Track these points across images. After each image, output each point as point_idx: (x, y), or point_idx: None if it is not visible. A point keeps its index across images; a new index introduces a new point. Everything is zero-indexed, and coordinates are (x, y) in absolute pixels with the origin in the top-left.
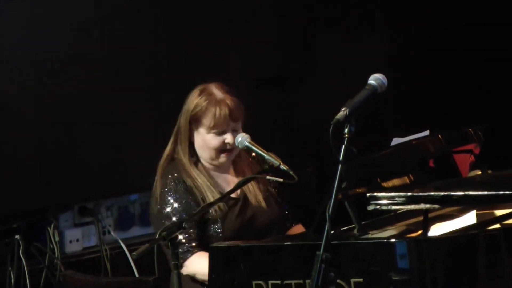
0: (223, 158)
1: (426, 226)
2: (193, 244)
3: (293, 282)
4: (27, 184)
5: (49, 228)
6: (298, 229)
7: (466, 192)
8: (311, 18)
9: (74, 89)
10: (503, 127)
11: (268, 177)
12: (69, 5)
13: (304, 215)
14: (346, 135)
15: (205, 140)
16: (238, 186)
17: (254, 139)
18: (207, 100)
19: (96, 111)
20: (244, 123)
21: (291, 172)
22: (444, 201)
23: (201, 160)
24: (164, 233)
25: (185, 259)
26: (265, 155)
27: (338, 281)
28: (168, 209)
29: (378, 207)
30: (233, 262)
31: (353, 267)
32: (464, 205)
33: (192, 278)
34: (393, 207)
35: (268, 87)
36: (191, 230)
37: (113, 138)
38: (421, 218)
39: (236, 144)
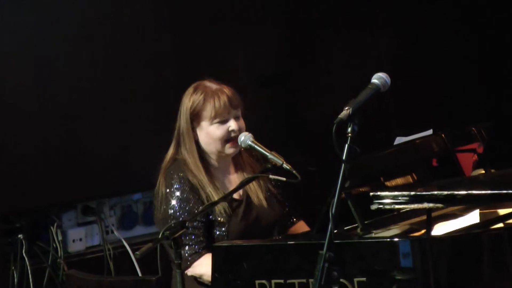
0: (230, 148)
1: (429, 225)
2: (201, 246)
3: (296, 281)
4: (30, 183)
5: (52, 227)
6: (301, 225)
7: (469, 191)
8: (315, 17)
9: (77, 88)
10: (506, 126)
11: (271, 176)
12: (72, 4)
13: (307, 214)
14: (349, 134)
15: (210, 132)
16: (241, 185)
17: (257, 137)
18: (203, 93)
19: (99, 110)
20: (245, 115)
21: (294, 171)
22: (448, 200)
23: (208, 157)
24: (168, 232)
25: (193, 260)
26: (268, 154)
27: (341, 280)
28: (174, 210)
29: (381, 206)
30: (236, 262)
31: (356, 267)
32: (467, 204)
33: (197, 279)
34: (396, 206)
35: (272, 85)
36: (198, 232)
37: (116, 137)
38: (424, 217)
39: (239, 143)
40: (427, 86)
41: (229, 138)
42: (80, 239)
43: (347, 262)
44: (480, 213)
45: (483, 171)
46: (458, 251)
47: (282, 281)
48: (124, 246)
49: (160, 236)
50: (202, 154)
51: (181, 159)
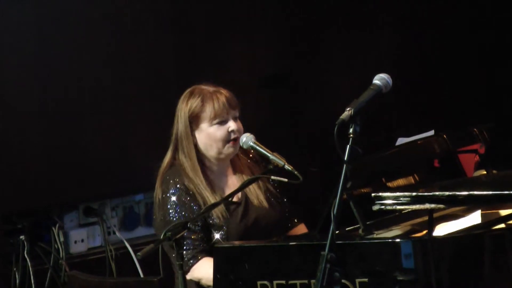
0: (230, 148)
1: (431, 226)
2: (199, 250)
3: (298, 282)
4: (32, 184)
5: (54, 228)
6: (301, 228)
7: (471, 192)
8: (316, 17)
9: (79, 88)
10: (508, 126)
11: (273, 177)
12: (72, 4)
13: (308, 215)
14: (351, 135)
15: (210, 134)
16: (243, 186)
17: (258, 138)
18: (201, 96)
19: (100, 111)
20: (244, 116)
21: (295, 172)
22: (449, 201)
23: (207, 160)
24: (169, 233)
25: (191, 265)
26: (269, 155)
27: (343, 281)
28: (171, 215)
29: (383, 207)
30: (238, 262)
31: (358, 267)
32: (469, 205)
33: (197, 283)
34: (398, 207)
35: (274, 86)
36: (196, 236)
37: (118, 138)
38: (426, 218)
39: (241, 144)
40: (429, 86)
41: (229, 139)
42: (82, 240)
43: (349, 263)
44: (482, 214)
45: (485, 172)
46: (459, 252)
47: (284, 282)
48: (126, 247)
49: (162, 237)
50: (200, 158)
51: (178, 164)
